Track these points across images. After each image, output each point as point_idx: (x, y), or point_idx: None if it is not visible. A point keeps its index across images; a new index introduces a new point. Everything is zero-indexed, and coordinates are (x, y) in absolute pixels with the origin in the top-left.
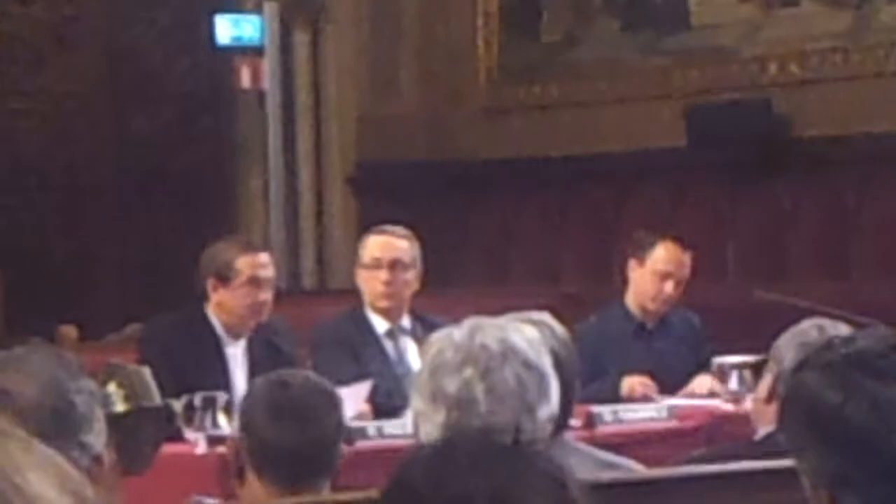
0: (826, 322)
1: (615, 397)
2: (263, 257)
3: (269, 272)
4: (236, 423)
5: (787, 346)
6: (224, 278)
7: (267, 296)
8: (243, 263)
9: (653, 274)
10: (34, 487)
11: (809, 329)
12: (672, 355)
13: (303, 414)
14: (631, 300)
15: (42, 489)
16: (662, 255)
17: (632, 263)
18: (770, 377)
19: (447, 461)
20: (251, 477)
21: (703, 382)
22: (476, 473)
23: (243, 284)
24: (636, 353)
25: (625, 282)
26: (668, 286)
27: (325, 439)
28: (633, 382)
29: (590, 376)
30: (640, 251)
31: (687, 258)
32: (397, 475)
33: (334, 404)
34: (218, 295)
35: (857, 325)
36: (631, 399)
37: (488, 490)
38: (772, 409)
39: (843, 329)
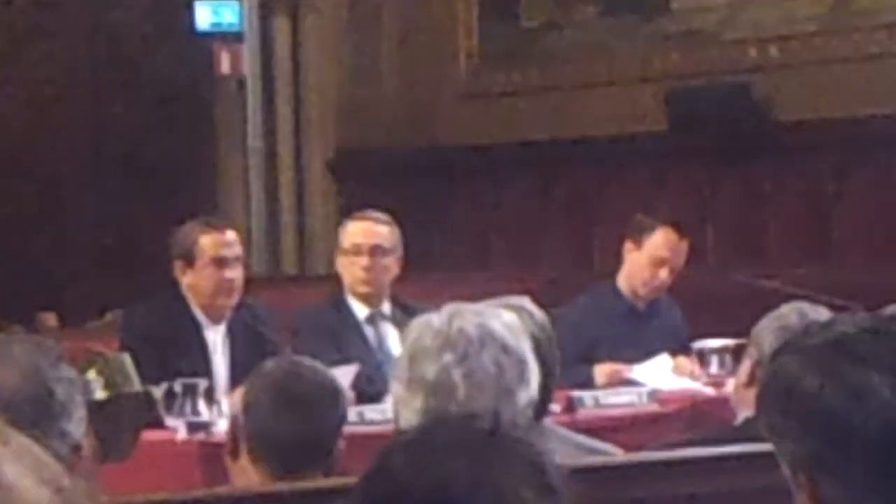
0: (806, 306)
1: (589, 386)
2: (228, 235)
3: (233, 250)
4: (240, 401)
5: (767, 331)
6: (189, 259)
7: (234, 273)
8: (206, 243)
9: (649, 258)
10: (10, 478)
11: (789, 313)
12: (659, 338)
13: (307, 407)
14: (623, 282)
15: (18, 479)
16: (660, 240)
17: (628, 245)
18: (750, 361)
19: (426, 447)
20: (244, 458)
21: (682, 364)
22: (455, 459)
23: (208, 264)
24: (625, 334)
25: (619, 262)
26: (663, 272)
27: (324, 434)
28: (606, 371)
29: (578, 356)
30: (638, 234)
31: (684, 246)
32: (377, 462)
33: (338, 400)
34: (186, 277)
35: (837, 308)
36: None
37: (468, 476)
38: (752, 394)
39: (824, 313)
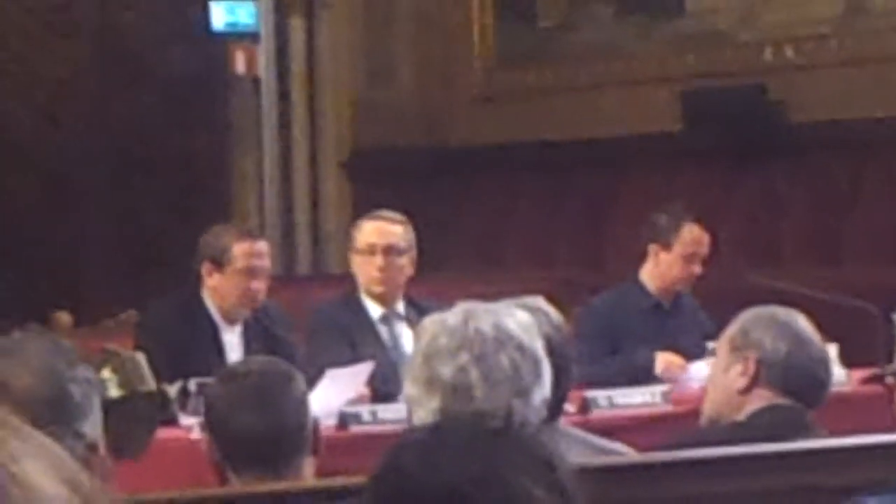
0: (775, 307)
1: (646, 373)
2: (260, 246)
3: (264, 262)
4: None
5: (762, 329)
6: (219, 263)
7: (260, 285)
8: (240, 251)
9: (682, 257)
10: (30, 477)
11: (771, 312)
12: (685, 334)
13: (258, 399)
14: (652, 281)
15: (38, 478)
16: (689, 237)
17: (654, 248)
18: (744, 365)
19: (437, 445)
20: (230, 474)
21: (700, 369)
22: (466, 457)
23: (237, 272)
24: (650, 330)
25: (636, 262)
26: (696, 266)
27: (286, 419)
28: (668, 360)
29: (604, 351)
30: (665, 236)
31: (706, 235)
32: (387, 460)
33: (290, 383)
34: (212, 279)
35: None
36: (666, 376)
37: (478, 474)
38: (756, 395)
39: (794, 312)
